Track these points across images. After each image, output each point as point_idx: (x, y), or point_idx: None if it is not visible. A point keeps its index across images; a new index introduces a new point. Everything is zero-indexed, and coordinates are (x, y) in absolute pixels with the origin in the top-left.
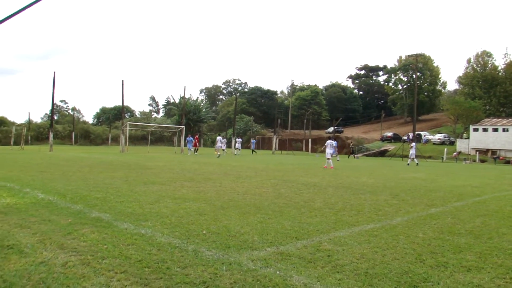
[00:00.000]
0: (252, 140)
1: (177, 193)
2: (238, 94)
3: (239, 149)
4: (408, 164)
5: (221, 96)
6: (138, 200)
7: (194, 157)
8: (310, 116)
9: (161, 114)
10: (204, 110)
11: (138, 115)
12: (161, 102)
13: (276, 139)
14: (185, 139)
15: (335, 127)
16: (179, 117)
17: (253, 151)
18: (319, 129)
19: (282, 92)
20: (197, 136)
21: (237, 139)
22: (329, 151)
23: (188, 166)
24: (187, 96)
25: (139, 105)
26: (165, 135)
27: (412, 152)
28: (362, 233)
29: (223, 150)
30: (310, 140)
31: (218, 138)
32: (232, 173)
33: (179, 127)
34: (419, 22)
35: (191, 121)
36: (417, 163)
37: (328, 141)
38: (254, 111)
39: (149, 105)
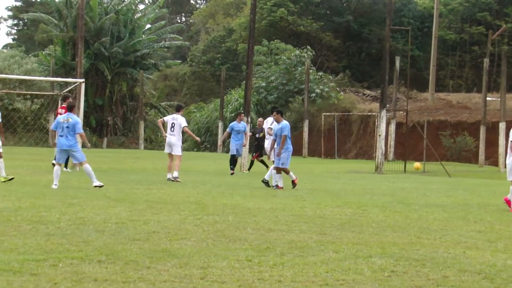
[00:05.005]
0: (235, 125)
1: None
2: None
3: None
4: None
5: None
6: None
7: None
8: (496, 46)
9: (6, 39)
10: (146, 28)
11: None
12: (3, 3)
13: (391, 124)
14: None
15: None
16: (62, 52)
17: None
18: None
19: None
20: (63, 107)
21: (267, 119)
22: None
23: (95, 210)
24: None
25: None
26: (20, 109)
27: None
28: None
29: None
30: (502, 125)
31: (168, 117)
32: (242, 236)
33: (71, 83)
34: None
35: (107, 61)
36: None
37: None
38: (315, 32)
39: None
